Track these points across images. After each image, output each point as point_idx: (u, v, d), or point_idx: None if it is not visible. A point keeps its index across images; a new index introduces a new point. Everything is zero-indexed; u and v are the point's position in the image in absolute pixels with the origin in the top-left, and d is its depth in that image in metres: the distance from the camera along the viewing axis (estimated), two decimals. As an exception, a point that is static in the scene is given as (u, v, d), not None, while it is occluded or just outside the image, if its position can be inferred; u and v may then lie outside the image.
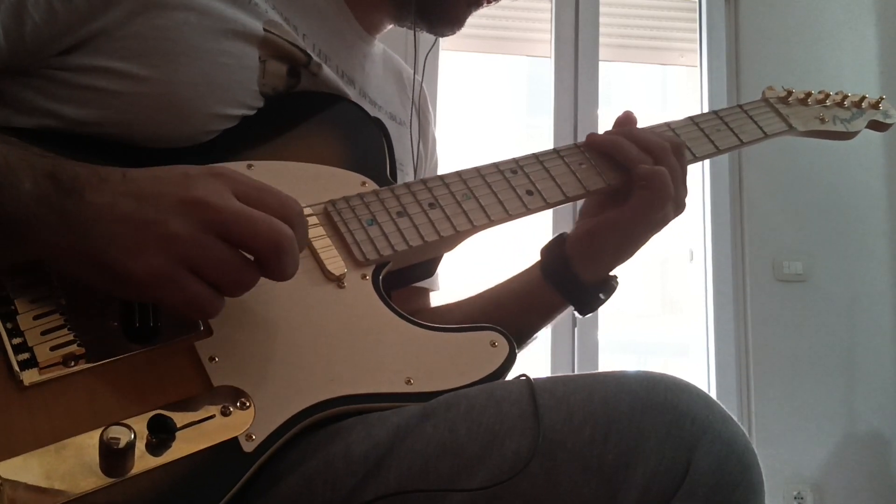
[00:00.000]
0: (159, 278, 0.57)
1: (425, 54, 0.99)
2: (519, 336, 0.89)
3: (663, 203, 0.84)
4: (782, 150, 2.85)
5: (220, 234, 0.58)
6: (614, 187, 0.86)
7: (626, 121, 0.90)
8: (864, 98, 1.02)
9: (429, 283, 1.00)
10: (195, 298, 0.58)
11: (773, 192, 2.92)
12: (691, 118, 0.93)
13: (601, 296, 0.90)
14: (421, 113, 1.06)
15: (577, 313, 0.91)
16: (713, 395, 1.66)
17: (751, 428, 2.73)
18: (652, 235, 0.87)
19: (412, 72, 1.09)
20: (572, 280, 0.88)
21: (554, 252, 0.89)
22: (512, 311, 0.91)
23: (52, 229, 0.57)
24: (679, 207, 0.87)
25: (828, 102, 1.00)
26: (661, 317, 3.97)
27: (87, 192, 0.58)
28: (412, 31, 0.96)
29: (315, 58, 0.85)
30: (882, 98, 1.03)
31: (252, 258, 0.60)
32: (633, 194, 0.84)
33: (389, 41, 1.03)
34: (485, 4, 0.96)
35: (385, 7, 0.95)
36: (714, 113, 0.94)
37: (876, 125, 1.03)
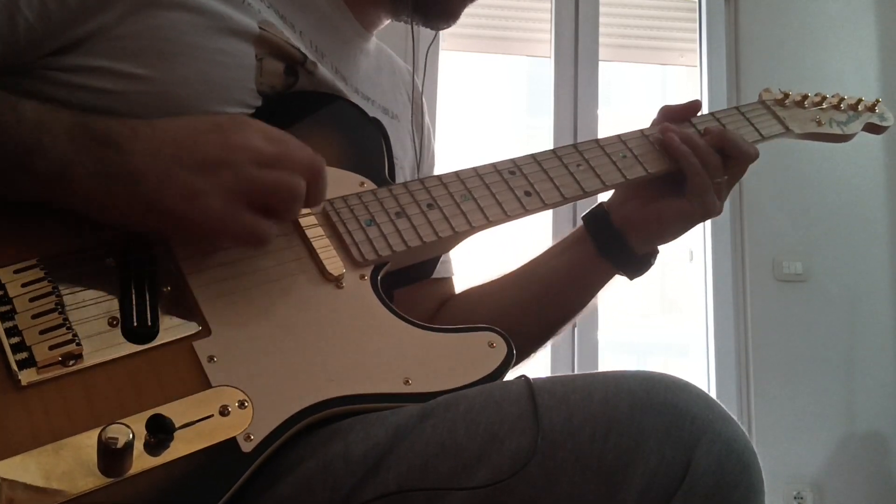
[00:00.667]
0: (219, 218, 0.63)
1: (426, 50, 1.00)
2: (571, 312, 0.96)
3: (721, 195, 0.90)
4: (782, 150, 2.84)
5: (265, 165, 0.65)
6: (614, 187, 0.86)
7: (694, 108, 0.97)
8: (860, 101, 1.02)
9: (444, 270, 1.01)
10: (254, 230, 0.65)
11: (772, 193, 2.92)
12: (689, 120, 0.93)
13: (650, 264, 0.95)
14: (414, 104, 1.06)
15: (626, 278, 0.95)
16: (713, 394, 1.66)
17: (750, 428, 2.72)
18: (717, 211, 0.91)
19: (404, 65, 1.10)
20: (630, 254, 0.92)
21: (604, 229, 0.93)
22: (563, 290, 0.95)
23: (99, 180, 0.61)
24: (726, 194, 0.93)
25: (824, 105, 1.00)
26: (661, 317, 3.97)
27: (124, 143, 0.62)
28: (410, 27, 0.96)
29: (310, 56, 0.85)
30: (878, 101, 1.03)
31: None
32: (691, 189, 0.88)
33: (388, 38, 1.03)
34: None
35: (381, 2, 0.95)
36: (711, 115, 0.94)
37: (872, 128, 1.03)
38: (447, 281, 1.03)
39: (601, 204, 0.95)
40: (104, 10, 0.72)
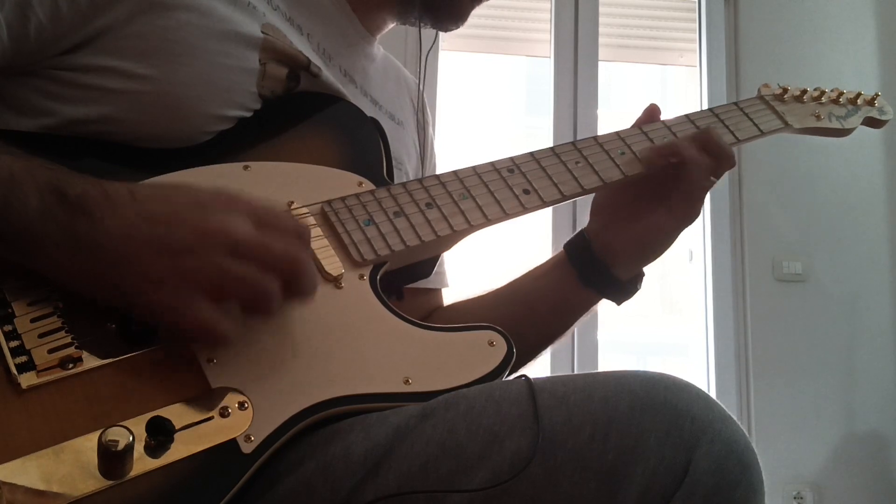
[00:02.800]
0: (171, 308, 0.59)
1: (425, 54, 1.00)
2: (551, 337, 0.93)
3: (703, 199, 0.88)
4: (781, 149, 2.85)
5: (239, 257, 0.60)
6: (613, 184, 0.86)
7: (653, 114, 0.93)
8: (859, 95, 1.02)
9: (438, 282, 1.00)
10: (207, 325, 0.59)
11: (772, 192, 2.92)
12: (687, 116, 0.93)
13: (637, 287, 0.93)
14: (420, 113, 1.06)
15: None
16: (712, 394, 1.66)
17: (750, 428, 2.72)
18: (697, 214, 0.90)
19: (410, 75, 1.10)
20: (613, 282, 0.90)
21: (587, 259, 0.91)
22: (544, 314, 0.93)
23: (60, 248, 0.58)
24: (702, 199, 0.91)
25: (823, 99, 1.00)
26: (661, 316, 3.97)
27: (97, 212, 0.58)
28: (411, 31, 0.96)
29: (315, 60, 0.85)
30: (877, 94, 1.03)
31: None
32: (681, 195, 0.86)
33: (388, 41, 1.03)
34: None
35: (388, 6, 0.95)
36: (710, 110, 0.94)
37: (871, 122, 1.03)
38: (437, 292, 1.03)
39: (582, 232, 0.93)
40: (112, 9, 0.72)
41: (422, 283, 0.93)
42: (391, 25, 0.99)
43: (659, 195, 0.87)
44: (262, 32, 0.80)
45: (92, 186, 0.60)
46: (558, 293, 0.92)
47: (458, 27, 0.97)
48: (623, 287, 0.91)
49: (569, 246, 0.93)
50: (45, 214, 0.58)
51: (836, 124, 1.00)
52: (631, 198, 0.89)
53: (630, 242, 0.88)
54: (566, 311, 0.93)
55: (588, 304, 0.92)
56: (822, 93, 1.00)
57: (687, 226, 0.88)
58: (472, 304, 0.99)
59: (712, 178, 0.88)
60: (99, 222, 0.58)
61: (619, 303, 0.92)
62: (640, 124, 0.91)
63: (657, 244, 0.89)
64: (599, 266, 0.89)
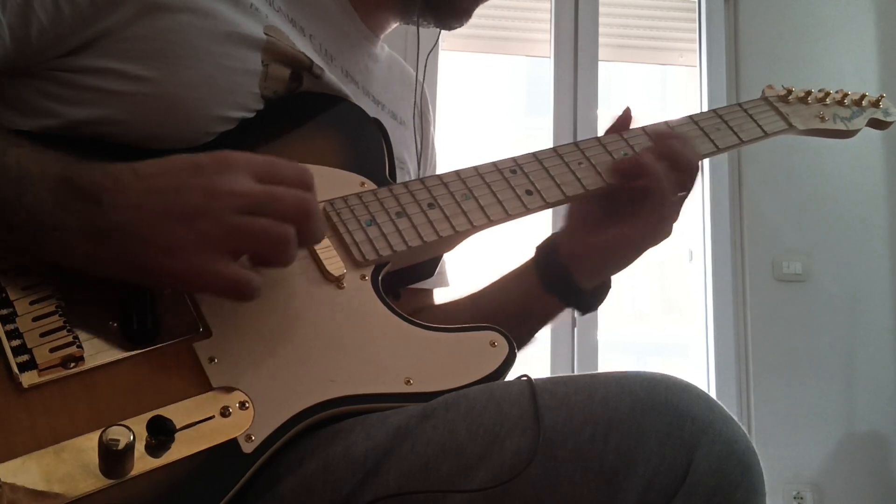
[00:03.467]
0: (198, 272, 0.59)
1: (426, 55, 0.99)
2: (519, 342, 0.89)
3: (676, 216, 0.85)
4: (782, 149, 2.85)
5: (249, 212, 0.61)
6: (614, 186, 0.85)
7: (627, 120, 0.90)
8: (864, 96, 1.02)
9: (434, 282, 1.00)
10: (236, 282, 0.60)
11: (772, 192, 2.92)
12: (691, 117, 0.93)
13: (602, 297, 0.91)
14: (422, 115, 1.06)
15: (577, 313, 0.92)
16: (712, 394, 1.66)
17: (750, 428, 2.73)
18: (668, 233, 0.88)
19: (415, 74, 1.09)
20: (576, 290, 0.88)
21: (551, 263, 0.89)
22: (508, 322, 0.89)
23: (75, 235, 0.59)
24: (678, 215, 0.87)
25: (828, 101, 1.00)
26: (661, 317, 3.97)
27: (106, 197, 0.59)
28: (412, 31, 0.96)
29: (318, 61, 0.85)
30: (882, 96, 1.03)
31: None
32: (647, 213, 0.83)
33: (389, 41, 1.03)
34: None
35: (390, 5, 0.95)
36: (714, 111, 0.94)
37: (876, 123, 1.02)
38: (429, 292, 1.02)
39: (553, 235, 0.91)
40: (113, 11, 0.72)
41: (420, 283, 0.93)
42: (394, 25, 0.99)
43: (629, 208, 0.84)
44: (265, 34, 0.80)
45: (98, 172, 0.61)
46: (522, 298, 0.90)
47: (461, 25, 0.97)
48: (586, 296, 0.89)
49: (538, 249, 0.91)
50: (60, 206, 0.59)
51: (840, 126, 1.00)
52: (602, 206, 0.87)
53: (593, 252, 0.86)
54: (528, 317, 0.91)
55: (551, 311, 0.90)
56: (827, 94, 1.00)
57: (655, 244, 0.86)
58: (451, 307, 0.98)
59: (681, 193, 0.85)
60: (110, 208, 0.59)
61: (582, 312, 0.91)
62: (613, 131, 0.90)
63: (619, 258, 0.87)
64: (562, 272, 0.87)
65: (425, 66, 1.04)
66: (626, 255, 0.87)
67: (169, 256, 0.59)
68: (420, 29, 0.97)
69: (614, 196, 0.85)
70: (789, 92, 0.98)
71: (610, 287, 0.91)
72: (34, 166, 0.60)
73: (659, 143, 0.85)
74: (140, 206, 0.59)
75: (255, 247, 0.61)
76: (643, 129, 0.91)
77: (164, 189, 0.60)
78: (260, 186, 0.62)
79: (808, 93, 0.99)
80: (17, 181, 0.59)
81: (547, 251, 0.89)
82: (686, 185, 0.85)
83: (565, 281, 0.87)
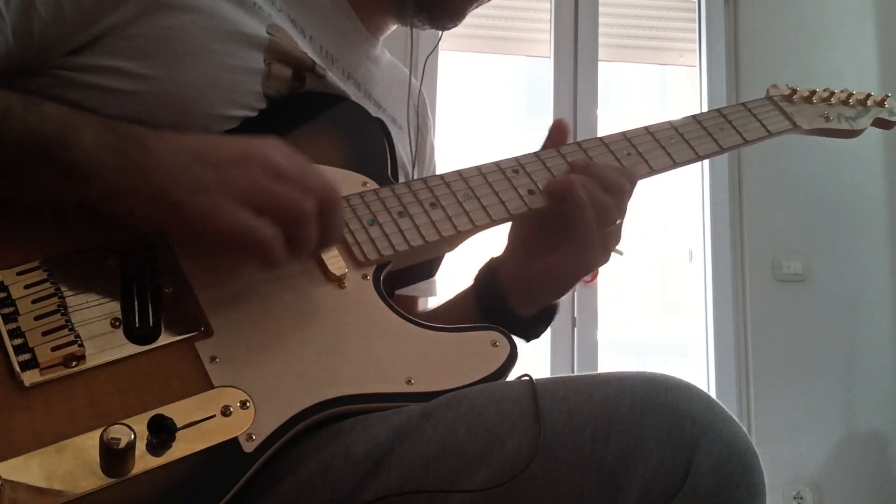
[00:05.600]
0: (221, 214, 0.61)
1: (426, 57, 0.99)
2: None
3: (612, 244, 0.82)
4: (782, 150, 2.85)
5: (279, 179, 0.63)
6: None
7: (561, 129, 0.87)
8: (869, 96, 1.02)
9: (423, 290, 0.99)
10: (255, 233, 0.61)
11: (772, 192, 2.92)
12: (694, 116, 0.92)
13: (542, 326, 0.87)
14: (421, 119, 1.06)
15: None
16: (712, 395, 1.66)
17: (750, 428, 2.73)
18: (606, 258, 0.84)
19: (416, 82, 1.09)
20: (514, 318, 0.83)
21: (488, 289, 0.85)
22: None
23: (117, 172, 0.61)
24: (618, 239, 0.84)
25: (832, 101, 1.00)
26: (661, 317, 3.97)
27: (148, 140, 0.63)
28: (410, 30, 0.96)
29: (320, 61, 0.85)
30: (888, 96, 1.03)
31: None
32: (577, 240, 0.80)
33: (389, 43, 1.02)
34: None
35: (387, 6, 0.95)
36: (717, 111, 0.93)
37: (881, 123, 1.02)
38: (414, 300, 0.99)
39: (493, 258, 0.87)
40: (116, 10, 0.72)
41: (409, 290, 0.93)
42: (393, 27, 0.99)
43: (563, 233, 0.81)
44: (268, 33, 0.80)
45: (140, 126, 0.64)
46: (463, 321, 0.84)
47: (455, 25, 0.96)
48: (525, 323, 0.84)
49: (477, 273, 0.88)
50: (101, 145, 0.61)
51: (845, 125, 0.99)
52: (538, 230, 0.83)
53: (529, 278, 0.83)
54: None
55: None
56: (832, 94, 1.00)
57: (589, 270, 0.82)
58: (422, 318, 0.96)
59: (613, 217, 0.80)
60: (149, 147, 0.62)
61: (526, 339, 0.85)
62: (552, 145, 0.86)
63: (553, 285, 0.84)
64: (498, 299, 0.84)
65: (423, 71, 1.04)
66: (559, 282, 0.83)
67: (194, 193, 0.61)
68: (420, 31, 0.97)
69: (549, 220, 0.82)
70: (794, 91, 0.98)
71: (555, 312, 0.88)
72: (76, 115, 0.63)
73: (585, 166, 0.82)
74: (177, 150, 0.63)
75: (276, 210, 0.62)
76: (646, 128, 0.90)
77: (205, 141, 0.65)
78: (293, 166, 0.65)
79: (813, 92, 0.99)
80: (60, 124, 0.61)
81: (485, 276, 0.86)
82: (619, 209, 0.81)
83: (501, 308, 0.83)
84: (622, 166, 0.84)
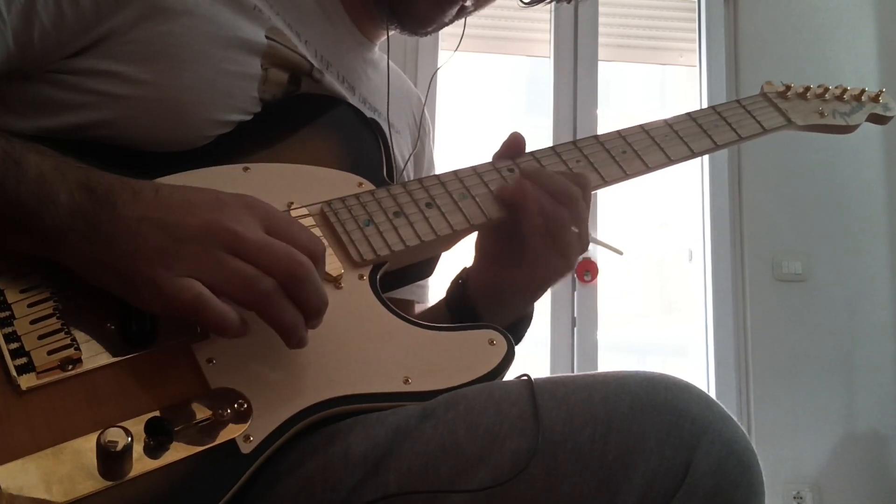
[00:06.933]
0: (172, 288, 0.58)
1: (432, 75, 0.98)
2: None
3: (573, 251, 0.80)
4: (781, 149, 2.85)
5: (239, 257, 0.60)
6: (614, 183, 0.85)
7: (515, 144, 0.85)
8: (863, 91, 1.02)
9: (419, 297, 0.99)
10: (206, 306, 0.58)
11: (771, 192, 2.92)
12: (689, 114, 0.93)
13: (520, 332, 0.86)
14: (421, 129, 1.06)
15: None
16: (712, 395, 1.66)
17: (750, 428, 2.73)
18: (573, 263, 0.82)
19: (417, 92, 1.09)
20: None
21: (459, 300, 0.85)
22: None
23: (83, 239, 0.59)
24: (584, 246, 0.81)
25: (827, 96, 1.00)
26: (660, 317, 3.97)
27: (120, 206, 0.60)
28: (412, 41, 0.96)
29: (317, 65, 0.85)
30: (882, 91, 1.03)
31: None
32: (531, 249, 0.78)
33: (392, 48, 1.02)
34: (469, 8, 0.93)
35: (375, 12, 0.94)
36: (712, 108, 0.94)
37: (876, 118, 1.02)
38: (410, 303, 0.99)
39: (465, 268, 0.87)
40: (116, 14, 0.72)
41: (403, 293, 0.92)
42: (390, 32, 0.99)
43: (519, 244, 0.79)
44: (267, 37, 0.80)
45: (119, 182, 0.62)
46: None
47: (426, 33, 0.95)
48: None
49: (450, 284, 0.87)
50: (74, 211, 0.59)
51: (840, 121, 1.00)
52: (499, 240, 0.82)
53: (491, 290, 0.82)
54: None
55: None
56: (826, 90, 1.00)
57: (548, 283, 0.81)
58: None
59: (568, 225, 0.78)
60: (118, 213, 0.60)
61: None
62: (500, 157, 0.85)
63: (515, 297, 0.82)
64: (468, 310, 0.83)
65: (428, 87, 1.04)
66: (524, 292, 0.82)
67: (148, 266, 0.59)
68: (419, 40, 0.96)
69: (507, 229, 0.80)
70: (788, 88, 0.98)
71: (530, 319, 0.87)
72: (54, 173, 0.61)
73: (533, 174, 0.80)
74: (143, 219, 0.60)
75: (229, 288, 0.59)
76: (641, 126, 0.90)
77: (174, 207, 0.61)
78: (261, 234, 0.61)
79: (807, 88, 0.99)
80: (37, 186, 0.59)
81: (456, 287, 0.86)
82: (574, 216, 0.78)
83: (472, 318, 0.83)
84: (571, 171, 0.82)
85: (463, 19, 0.96)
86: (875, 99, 1.02)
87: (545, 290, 0.83)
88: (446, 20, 0.93)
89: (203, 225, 0.60)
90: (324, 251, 0.64)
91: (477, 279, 0.84)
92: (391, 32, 0.97)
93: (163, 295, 0.58)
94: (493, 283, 0.83)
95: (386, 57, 1.03)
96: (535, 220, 0.77)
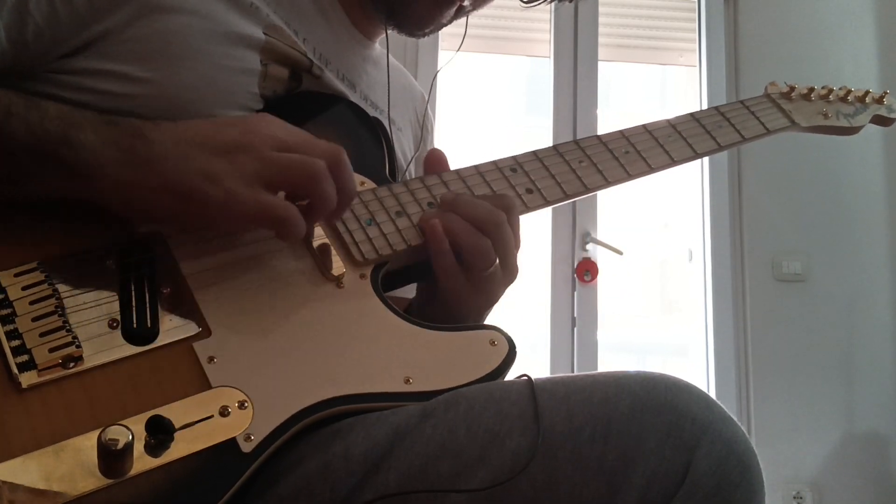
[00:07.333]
0: (238, 199, 0.62)
1: (433, 76, 0.97)
2: None
3: (494, 284, 0.77)
4: (781, 149, 2.85)
5: (285, 149, 0.66)
6: (617, 183, 0.85)
7: (436, 162, 0.83)
8: (867, 93, 1.02)
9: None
10: (273, 210, 0.64)
11: (771, 192, 2.92)
12: (692, 114, 0.92)
13: None
14: (424, 126, 1.06)
15: None
16: (712, 395, 1.66)
17: (750, 428, 2.73)
18: (499, 296, 0.79)
19: (420, 90, 1.09)
20: None
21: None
22: None
23: (123, 166, 0.62)
24: (511, 275, 0.78)
25: (831, 98, 1.00)
26: (661, 317, 3.98)
27: (148, 132, 0.63)
28: (412, 40, 0.96)
29: (316, 62, 0.85)
30: (886, 93, 1.03)
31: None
32: (444, 292, 0.76)
33: (392, 46, 1.02)
34: (467, 8, 0.93)
35: (372, 11, 0.94)
36: (715, 109, 0.94)
37: (880, 120, 1.02)
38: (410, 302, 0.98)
39: (411, 300, 0.86)
40: (112, 13, 0.72)
41: (401, 293, 0.92)
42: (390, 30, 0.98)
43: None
44: (265, 34, 0.80)
45: (137, 119, 0.65)
46: None
47: (423, 34, 0.94)
48: None
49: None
50: (104, 141, 0.62)
51: (843, 122, 0.99)
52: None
53: (431, 317, 0.77)
54: None
55: None
56: (830, 91, 1.00)
57: (484, 307, 0.79)
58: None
59: (494, 259, 0.75)
60: (151, 139, 0.63)
61: None
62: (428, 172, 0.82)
63: (466, 314, 0.79)
64: None
65: (430, 89, 1.04)
66: (462, 317, 0.79)
67: (209, 182, 0.62)
68: (420, 41, 0.96)
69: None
70: (792, 89, 0.98)
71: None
72: (75, 113, 0.63)
73: (451, 203, 0.76)
74: (180, 140, 0.64)
75: (291, 178, 0.65)
76: (644, 126, 0.90)
77: (204, 129, 0.65)
78: (293, 136, 0.67)
79: (811, 89, 0.99)
80: (60, 122, 0.62)
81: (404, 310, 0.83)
82: (500, 243, 0.75)
83: None
84: (494, 193, 0.80)
85: (463, 19, 0.96)
86: (879, 100, 1.02)
87: (483, 316, 0.81)
88: (444, 21, 0.93)
89: (242, 132, 0.65)
90: (343, 151, 0.69)
91: (417, 307, 0.84)
92: (389, 32, 0.97)
93: (238, 209, 0.63)
94: (432, 312, 0.80)
95: (397, 63, 1.03)
96: (446, 259, 0.74)
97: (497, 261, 0.75)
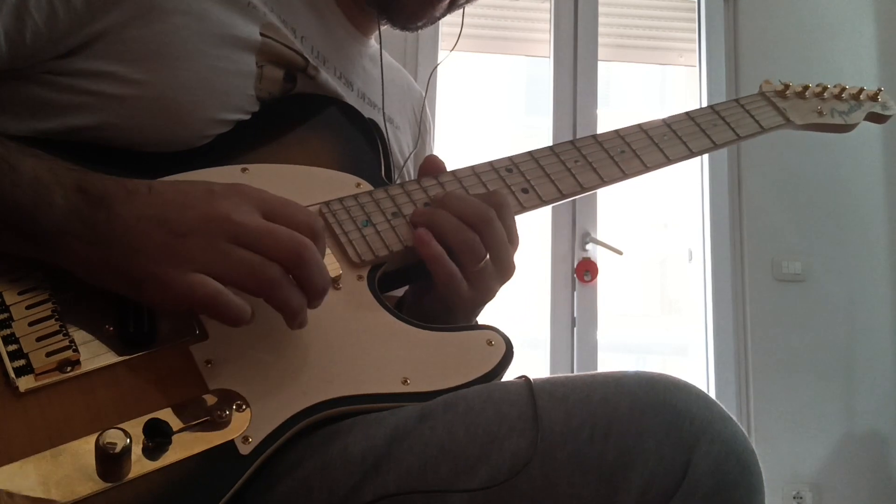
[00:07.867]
0: (182, 286, 0.59)
1: (430, 72, 0.97)
2: None
3: (488, 280, 0.77)
4: (781, 149, 2.85)
5: (242, 245, 0.60)
6: (612, 183, 0.85)
7: (433, 169, 0.82)
8: (862, 90, 1.02)
9: None
10: (219, 302, 0.59)
11: (771, 192, 2.92)
12: (687, 113, 0.93)
13: None
14: (422, 125, 1.05)
15: None
16: (712, 394, 1.66)
17: (750, 428, 2.73)
18: (493, 292, 0.79)
19: (419, 88, 1.09)
20: None
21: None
22: None
23: (81, 241, 0.60)
24: (505, 272, 0.78)
25: (825, 95, 1.00)
26: (660, 317, 3.98)
27: (116, 206, 0.60)
28: (412, 36, 0.96)
29: (313, 61, 0.85)
30: (880, 90, 1.03)
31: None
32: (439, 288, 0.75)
33: (388, 45, 1.02)
34: (461, 1, 0.93)
35: (366, 6, 0.94)
36: (710, 108, 0.94)
37: (874, 117, 1.02)
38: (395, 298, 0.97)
39: (401, 297, 0.86)
40: (108, 13, 0.72)
41: (398, 294, 0.92)
42: (383, 27, 0.98)
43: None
44: (262, 33, 0.80)
45: (112, 182, 0.62)
46: None
47: (416, 28, 0.94)
48: None
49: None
50: (70, 213, 0.60)
51: (838, 120, 1.00)
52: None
53: (423, 315, 0.77)
54: None
55: None
56: (825, 88, 1.00)
57: (479, 304, 0.78)
58: None
59: (486, 254, 0.74)
60: (116, 213, 0.60)
61: None
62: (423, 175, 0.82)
63: (448, 320, 0.78)
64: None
65: (427, 84, 1.04)
66: (454, 316, 0.79)
67: (153, 264, 0.59)
68: (423, 40, 0.96)
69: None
70: (787, 87, 0.99)
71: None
72: (49, 175, 0.61)
73: (441, 201, 0.77)
74: (141, 217, 0.60)
75: (236, 277, 0.60)
76: (640, 126, 0.90)
77: (170, 205, 0.61)
78: (260, 221, 0.62)
79: (806, 87, 0.99)
80: (32, 190, 0.60)
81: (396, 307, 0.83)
82: (491, 239, 0.75)
83: None
84: (488, 191, 0.79)
85: (461, 16, 0.96)
86: (873, 97, 1.03)
87: (475, 315, 0.81)
88: (437, 14, 0.92)
89: (202, 217, 0.61)
90: (323, 227, 0.65)
91: (408, 305, 0.84)
92: (383, 27, 0.97)
93: (172, 292, 0.59)
94: (423, 311, 0.80)
95: (394, 62, 1.03)
96: (438, 263, 0.74)
97: (488, 256, 0.75)
